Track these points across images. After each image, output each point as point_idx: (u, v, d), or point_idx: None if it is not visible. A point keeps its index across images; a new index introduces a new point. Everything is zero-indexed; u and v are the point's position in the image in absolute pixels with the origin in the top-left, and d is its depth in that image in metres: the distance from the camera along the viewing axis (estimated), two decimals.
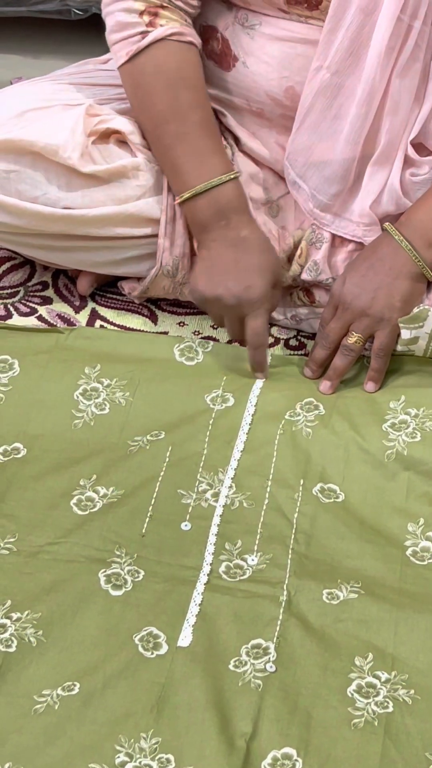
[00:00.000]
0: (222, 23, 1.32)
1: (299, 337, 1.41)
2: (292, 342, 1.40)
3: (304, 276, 1.36)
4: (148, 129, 1.31)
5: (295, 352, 1.38)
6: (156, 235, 1.34)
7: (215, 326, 1.37)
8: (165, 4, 1.27)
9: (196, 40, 1.29)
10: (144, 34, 1.26)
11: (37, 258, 1.42)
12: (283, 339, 1.40)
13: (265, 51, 1.29)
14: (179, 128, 1.27)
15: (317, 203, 1.33)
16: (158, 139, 1.30)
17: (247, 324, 1.28)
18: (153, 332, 1.41)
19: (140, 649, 1.02)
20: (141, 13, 1.26)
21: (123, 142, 1.34)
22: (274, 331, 1.41)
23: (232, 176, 1.28)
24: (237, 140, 1.38)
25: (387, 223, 1.25)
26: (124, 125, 1.32)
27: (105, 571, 1.08)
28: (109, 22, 1.28)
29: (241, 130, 1.37)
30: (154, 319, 1.43)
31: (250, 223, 1.28)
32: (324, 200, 1.32)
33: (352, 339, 1.26)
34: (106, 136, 1.34)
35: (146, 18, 1.27)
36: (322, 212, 1.33)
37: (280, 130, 1.34)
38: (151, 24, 1.26)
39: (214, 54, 1.34)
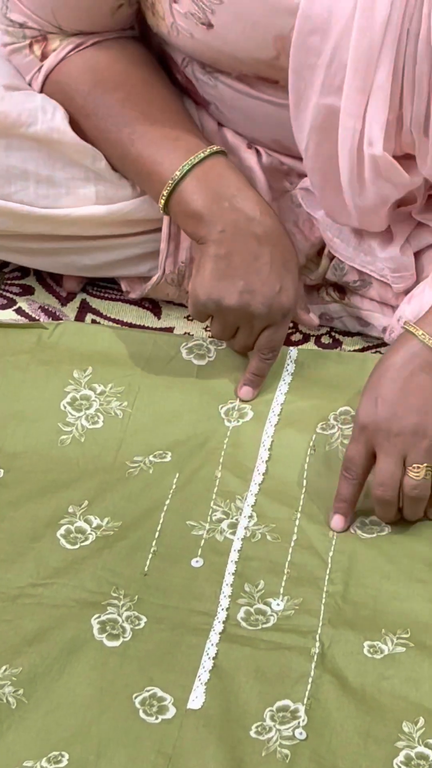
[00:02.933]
0: (179, 56, 1.33)
1: (333, 334, 1.41)
2: (325, 339, 1.41)
3: (329, 275, 1.37)
4: (102, 149, 1.32)
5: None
6: (159, 230, 1.34)
7: (216, 338, 1.34)
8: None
9: (113, 34, 1.31)
10: (40, 69, 1.31)
11: (17, 262, 1.44)
12: (313, 336, 1.41)
13: (233, 103, 1.31)
14: (128, 130, 1.29)
15: (335, 232, 1.34)
16: (113, 149, 1.31)
17: (266, 335, 1.28)
18: (155, 328, 1.42)
19: (141, 713, 1.03)
20: (30, 47, 1.31)
21: None
22: (303, 327, 1.42)
23: (215, 149, 1.27)
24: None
25: (407, 323, 1.18)
26: None
27: (99, 618, 1.09)
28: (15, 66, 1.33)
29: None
30: (156, 313, 1.44)
31: (260, 201, 1.27)
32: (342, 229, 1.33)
33: (418, 472, 1.15)
34: None
35: (37, 50, 1.31)
36: (342, 242, 1.34)
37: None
38: (44, 54, 1.31)
39: (183, 90, 1.37)
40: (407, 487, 1.14)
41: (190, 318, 1.43)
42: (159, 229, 1.35)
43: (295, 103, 1.20)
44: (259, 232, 1.25)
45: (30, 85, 1.33)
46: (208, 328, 1.41)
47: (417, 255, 1.33)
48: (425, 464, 1.14)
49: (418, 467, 1.14)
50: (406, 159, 1.22)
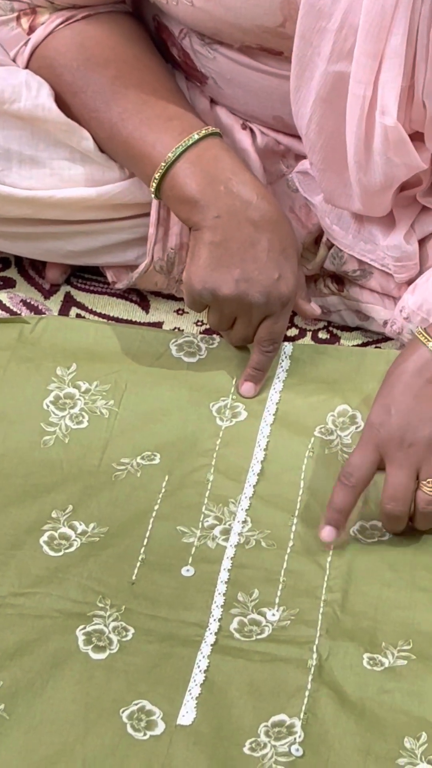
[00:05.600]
0: (176, 27, 1.33)
1: (330, 328, 1.42)
2: (322, 334, 1.42)
3: (326, 265, 1.37)
4: (90, 129, 1.32)
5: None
6: (147, 215, 1.34)
7: (213, 330, 1.36)
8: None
9: (104, 7, 1.31)
10: (27, 43, 1.31)
11: None
12: (310, 330, 1.41)
13: (233, 77, 1.31)
14: (118, 109, 1.29)
15: (334, 219, 1.34)
16: (101, 129, 1.30)
17: (265, 326, 1.28)
18: (143, 323, 1.42)
19: (129, 728, 1.03)
20: (17, 19, 1.31)
21: None
22: (299, 320, 1.42)
23: (210, 131, 1.27)
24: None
25: (418, 331, 1.17)
26: None
27: (84, 629, 1.09)
28: None
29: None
30: (144, 307, 1.44)
31: (257, 185, 1.27)
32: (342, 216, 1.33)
33: (431, 488, 1.14)
34: None
35: (25, 23, 1.31)
36: (341, 229, 1.34)
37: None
38: (31, 28, 1.31)
39: (178, 65, 1.37)
40: (421, 502, 1.14)
41: (180, 312, 1.43)
42: (147, 214, 1.35)
43: (299, 74, 1.19)
44: (255, 217, 1.25)
45: (15, 60, 1.33)
46: (199, 323, 1.41)
47: (421, 243, 1.33)
48: None
49: (431, 482, 1.14)
50: (414, 140, 1.21)
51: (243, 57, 1.29)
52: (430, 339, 1.15)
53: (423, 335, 1.16)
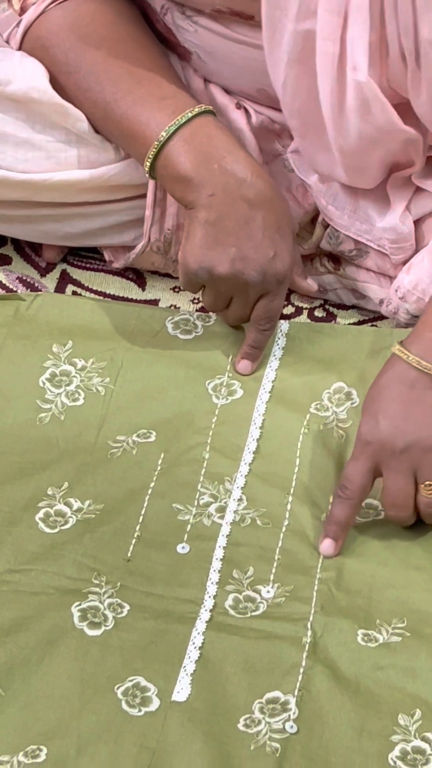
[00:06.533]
0: (158, 2, 1.33)
1: (327, 307, 1.42)
2: (318, 313, 1.41)
3: (323, 244, 1.37)
4: (85, 109, 1.31)
5: None
6: (145, 196, 1.34)
7: (208, 309, 1.34)
8: None
9: None
10: (19, 24, 1.31)
11: None
12: (306, 308, 1.41)
13: (214, 50, 1.31)
14: (111, 88, 1.28)
15: (329, 199, 1.34)
16: (95, 109, 1.30)
17: (261, 304, 1.28)
18: (139, 301, 1.42)
19: (124, 705, 1.03)
20: (9, 0, 1.31)
21: None
22: (295, 298, 1.42)
23: (203, 108, 1.27)
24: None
25: (397, 348, 1.15)
26: None
27: (80, 605, 1.10)
28: None
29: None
30: (141, 284, 1.44)
31: (252, 162, 1.27)
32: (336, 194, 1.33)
33: (430, 490, 1.13)
34: None
35: (16, 3, 1.30)
36: (336, 209, 1.33)
37: None
38: (23, 8, 1.31)
39: (164, 42, 1.36)
40: (422, 505, 1.13)
41: (177, 290, 1.43)
42: (143, 195, 1.34)
43: (270, 36, 1.18)
44: (250, 195, 1.25)
45: (8, 42, 1.33)
46: (195, 300, 1.41)
47: (417, 223, 1.33)
48: None
49: (431, 484, 1.13)
50: (399, 109, 1.21)
51: (220, 27, 1.28)
52: (409, 354, 1.13)
53: (401, 351, 1.14)
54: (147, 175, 1.28)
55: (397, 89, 1.20)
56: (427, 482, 1.12)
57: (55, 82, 1.31)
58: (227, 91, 1.37)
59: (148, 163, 1.26)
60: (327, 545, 1.13)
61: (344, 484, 1.13)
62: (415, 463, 1.12)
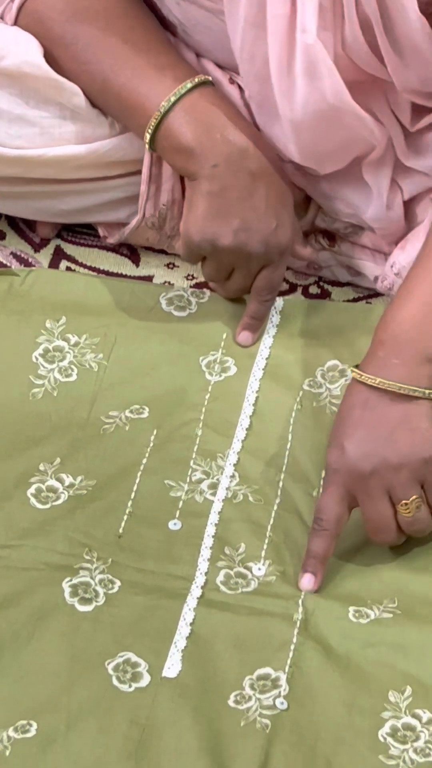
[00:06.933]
0: None
1: (321, 284, 1.41)
2: (313, 290, 1.41)
3: (317, 222, 1.37)
4: (81, 83, 1.30)
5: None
6: (140, 172, 1.33)
7: (204, 284, 1.35)
8: None
9: None
10: None
11: None
12: (301, 285, 1.41)
13: (196, 23, 1.30)
14: (109, 60, 1.28)
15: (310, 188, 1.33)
16: (93, 82, 1.29)
17: (263, 275, 1.28)
18: (134, 277, 1.41)
19: (114, 680, 1.03)
20: None
21: None
22: (289, 275, 1.42)
23: (203, 79, 1.26)
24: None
25: (352, 370, 1.12)
26: None
27: (71, 581, 1.10)
28: None
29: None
30: (135, 260, 1.44)
31: (253, 133, 1.27)
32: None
33: (408, 508, 1.09)
34: None
35: None
36: (320, 199, 1.33)
37: None
38: None
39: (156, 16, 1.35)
40: (404, 525, 1.10)
41: (171, 266, 1.42)
42: (138, 172, 1.34)
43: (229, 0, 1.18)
44: (253, 166, 1.25)
45: (2, 18, 1.32)
46: (189, 277, 1.41)
47: (409, 202, 1.32)
48: (412, 497, 1.09)
49: (406, 503, 1.09)
50: (362, 86, 1.20)
51: None
52: (362, 374, 1.11)
53: (357, 373, 1.11)
54: (147, 147, 1.27)
55: (355, 58, 1.19)
56: (403, 501, 1.09)
57: (50, 57, 1.30)
58: (220, 67, 1.36)
59: (148, 135, 1.25)
60: (307, 581, 1.09)
61: (319, 516, 1.10)
62: (386, 483, 1.09)
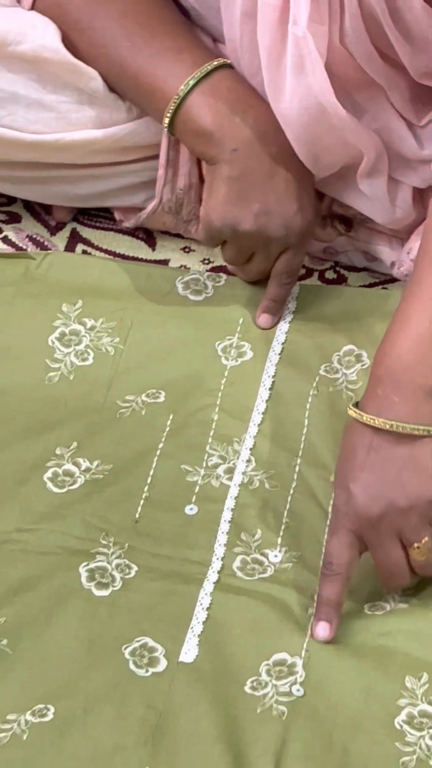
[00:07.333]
0: None
1: (337, 269, 1.41)
2: (329, 275, 1.41)
3: (334, 207, 1.36)
4: (99, 67, 1.30)
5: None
6: (156, 157, 1.33)
7: (229, 264, 1.34)
8: None
9: None
10: None
11: (2, 191, 1.42)
12: (317, 270, 1.41)
13: (209, 5, 1.29)
14: (127, 43, 1.27)
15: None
16: (110, 65, 1.28)
17: (283, 259, 1.28)
18: (150, 260, 1.41)
19: (131, 665, 1.03)
20: None
21: None
22: (305, 260, 1.41)
23: (222, 62, 1.25)
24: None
25: (353, 410, 1.07)
26: None
27: (87, 565, 1.10)
28: None
29: None
30: (151, 244, 1.43)
31: (273, 116, 1.24)
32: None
33: (420, 551, 1.06)
34: None
35: None
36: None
37: None
38: None
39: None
40: (418, 568, 1.07)
41: (187, 250, 1.42)
42: (155, 157, 1.33)
43: None
44: (273, 150, 1.24)
45: (20, 2, 1.31)
46: (205, 261, 1.41)
47: (424, 192, 1.31)
48: (424, 539, 1.05)
49: (418, 546, 1.05)
50: (360, 88, 1.19)
51: None
52: (363, 414, 1.07)
53: (357, 413, 1.07)
54: (166, 131, 1.26)
55: (353, 51, 1.17)
56: (415, 544, 1.05)
57: (67, 41, 1.29)
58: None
59: (167, 119, 1.25)
60: (321, 629, 1.05)
61: (329, 561, 1.06)
62: (396, 527, 1.05)
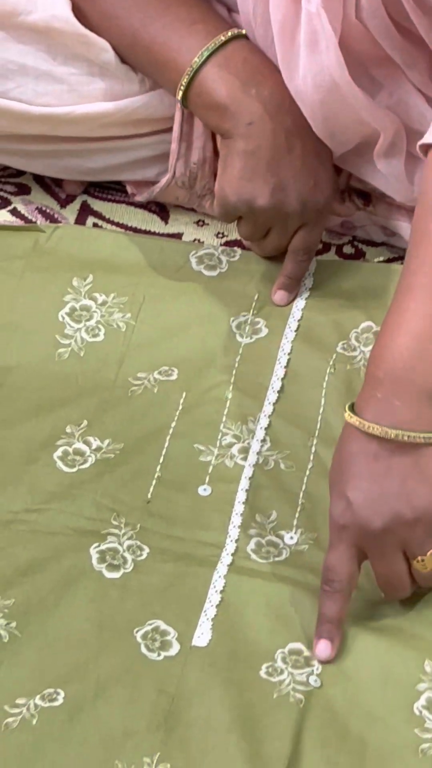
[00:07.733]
0: None
1: (356, 244, 1.40)
2: (347, 249, 1.39)
3: (352, 181, 1.35)
4: (110, 38, 1.28)
5: None
6: (170, 130, 1.31)
7: (245, 239, 1.33)
8: None
9: None
10: None
11: (12, 165, 1.41)
12: (335, 245, 1.39)
13: None
14: (139, 14, 1.25)
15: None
16: (122, 37, 1.27)
17: (300, 235, 1.27)
18: (162, 234, 1.40)
19: (143, 648, 1.03)
20: None
21: None
22: (323, 235, 1.39)
23: (236, 32, 1.24)
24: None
25: (352, 416, 1.03)
26: None
27: (98, 547, 1.09)
28: None
29: None
30: (164, 217, 1.42)
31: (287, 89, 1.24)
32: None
33: (425, 564, 1.02)
34: None
35: None
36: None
37: None
38: None
39: None
40: (422, 581, 1.03)
41: (200, 223, 1.41)
42: (168, 130, 1.32)
43: None
44: (289, 123, 1.23)
45: None
46: (219, 234, 1.40)
47: None
48: (429, 552, 1.02)
49: (423, 559, 1.02)
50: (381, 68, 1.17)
51: None
52: (364, 421, 1.02)
53: (357, 420, 1.03)
54: (179, 103, 1.25)
55: (370, 26, 1.15)
56: (419, 557, 1.02)
57: (78, 12, 1.28)
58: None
59: (180, 92, 1.23)
60: (323, 647, 1.02)
61: (330, 578, 1.02)
62: (399, 540, 1.01)
